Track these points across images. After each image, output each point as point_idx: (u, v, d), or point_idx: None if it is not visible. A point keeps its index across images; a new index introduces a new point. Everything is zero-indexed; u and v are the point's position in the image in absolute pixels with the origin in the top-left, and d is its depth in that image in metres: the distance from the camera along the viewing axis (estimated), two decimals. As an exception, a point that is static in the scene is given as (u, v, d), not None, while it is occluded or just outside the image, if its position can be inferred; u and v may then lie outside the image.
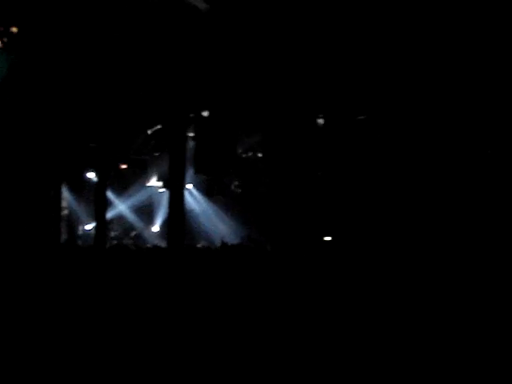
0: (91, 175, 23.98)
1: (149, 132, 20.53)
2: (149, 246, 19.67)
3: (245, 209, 24.17)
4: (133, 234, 26.17)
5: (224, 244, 17.45)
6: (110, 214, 22.36)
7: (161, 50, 14.51)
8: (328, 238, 20.51)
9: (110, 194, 21.85)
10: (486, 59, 13.83)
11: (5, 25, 12.13)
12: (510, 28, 12.12)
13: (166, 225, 24.49)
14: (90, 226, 25.15)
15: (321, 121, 19.41)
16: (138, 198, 25.61)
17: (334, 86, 16.48)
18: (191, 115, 18.29)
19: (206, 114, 18.63)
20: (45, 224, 20.02)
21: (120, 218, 26.24)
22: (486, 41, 13.25)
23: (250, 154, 23.00)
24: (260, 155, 22.68)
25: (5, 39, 12.09)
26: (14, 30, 12.17)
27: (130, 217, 26.48)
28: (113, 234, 25.26)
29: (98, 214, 18.78)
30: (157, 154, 22.46)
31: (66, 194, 23.36)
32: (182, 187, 16.81)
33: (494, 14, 12.01)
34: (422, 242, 15.95)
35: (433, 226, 16.94)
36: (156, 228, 26.50)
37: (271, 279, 10.43)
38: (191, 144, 19.87)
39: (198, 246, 21.44)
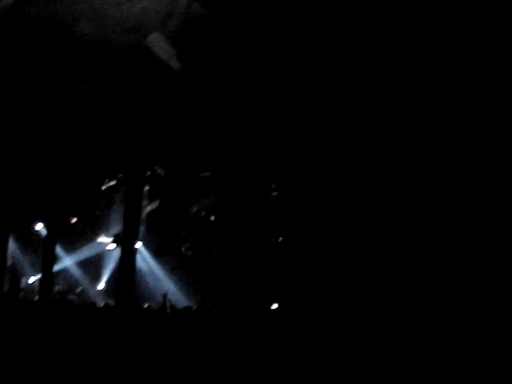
0: (39, 227, 23.56)
1: (105, 186, 20.31)
2: (94, 302, 19.19)
3: (194, 271, 23.96)
4: (78, 289, 25.59)
5: (172, 307, 17.20)
6: (55, 268, 21.85)
7: (121, 105, 14.51)
8: (275, 306, 20.45)
9: (57, 248, 21.37)
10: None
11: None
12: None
13: (112, 282, 24.10)
14: (33, 279, 24.55)
15: (275, 188, 19.57)
16: (86, 253, 25.16)
17: (290, 154, 16.65)
18: (147, 173, 18.22)
19: (162, 172, 18.59)
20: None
21: (66, 272, 25.69)
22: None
23: (203, 215, 22.93)
24: (212, 218, 22.62)
25: None
26: None
27: (76, 272, 25.94)
28: (57, 288, 24.63)
29: (45, 267, 18.37)
30: (109, 210, 22.18)
31: (11, 244, 22.83)
32: (134, 245, 16.60)
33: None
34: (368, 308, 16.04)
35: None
36: (102, 285, 25.99)
37: (215, 343, 10.34)
38: (144, 202, 19.77)
39: (145, 306, 21.08)
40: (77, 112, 15.28)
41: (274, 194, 19.63)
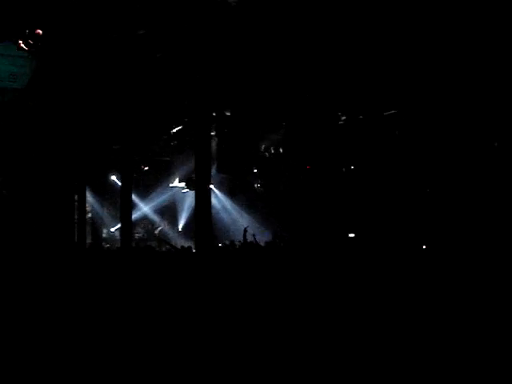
0: (113, 178, 24.11)
1: (173, 131, 20.43)
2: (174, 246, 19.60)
3: (268, 207, 24.09)
4: (157, 235, 26.18)
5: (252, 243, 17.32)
6: (134, 216, 22.35)
7: (184, 48, 14.40)
8: (351, 235, 20.43)
9: (133, 196, 21.82)
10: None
11: (30, 27, 12.03)
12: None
13: (189, 225, 24.54)
14: (114, 229, 25.22)
15: (343, 118, 19.30)
16: (162, 199, 25.62)
17: (355, 83, 16.34)
18: (214, 114, 18.21)
19: (228, 112, 18.56)
20: (70, 227, 20.08)
21: (144, 219, 26.28)
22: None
23: (273, 151, 22.91)
24: (282, 152, 22.57)
25: (30, 41, 11.98)
26: (39, 32, 12.06)
27: (154, 218, 26.51)
28: (137, 235, 25.28)
29: (123, 216, 18.76)
30: (179, 155, 22.39)
31: (89, 197, 23.43)
32: (208, 187, 16.73)
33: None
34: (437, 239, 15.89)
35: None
36: (180, 228, 26.53)
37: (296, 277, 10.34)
38: (213, 143, 19.84)
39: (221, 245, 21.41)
40: (138, 60, 15.28)
41: (341, 123, 19.40)
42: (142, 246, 21.42)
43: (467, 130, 16.69)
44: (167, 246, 16.44)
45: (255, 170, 21.94)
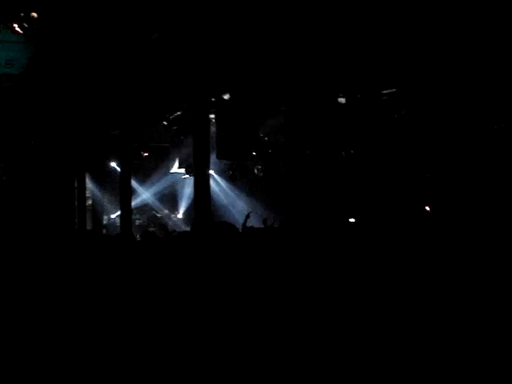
0: (113, 164, 24.10)
1: (172, 116, 20.37)
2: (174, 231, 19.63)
3: (267, 191, 24.06)
4: (157, 221, 26.20)
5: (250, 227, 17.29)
6: (134, 203, 22.34)
7: (181, 31, 14.32)
8: (352, 220, 20.38)
9: (133, 183, 21.81)
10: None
11: (24, 10, 11.86)
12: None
13: (189, 211, 24.53)
14: (114, 215, 25.26)
15: (342, 100, 19.21)
16: (161, 185, 25.62)
17: (355, 64, 16.25)
18: (213, 99, 18.13)
19: (227, 97, 18.47)
20: (70, 214, 20.09)
21: (144, 206, 26.30)
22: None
23: (272, 136, 22.87)
24: (281, 137, 22.50)
25: (25, 25, 11.84)
26: (34, 15, 11.93)
27: (155, 204, 26.53)
28: (137, 222, 25.28)
29: (124, 203, 18.73)
30: (178, 140, 22.33)
31: (89, 183, 23.42)
32: (207, 173, 16.69)
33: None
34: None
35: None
36: (180, 214, 26.55)
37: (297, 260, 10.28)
38: (212, 129, 19.78)
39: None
40: (135, 43, 15.20)
41: (342, 103, 19.31)
42: (141, 232, 21.41)
43: (469, 113, 16.65)
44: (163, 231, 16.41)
45: (254, 154, 21.83)
